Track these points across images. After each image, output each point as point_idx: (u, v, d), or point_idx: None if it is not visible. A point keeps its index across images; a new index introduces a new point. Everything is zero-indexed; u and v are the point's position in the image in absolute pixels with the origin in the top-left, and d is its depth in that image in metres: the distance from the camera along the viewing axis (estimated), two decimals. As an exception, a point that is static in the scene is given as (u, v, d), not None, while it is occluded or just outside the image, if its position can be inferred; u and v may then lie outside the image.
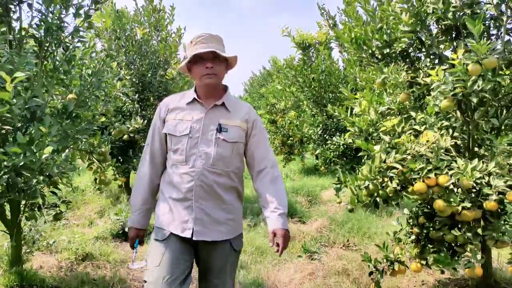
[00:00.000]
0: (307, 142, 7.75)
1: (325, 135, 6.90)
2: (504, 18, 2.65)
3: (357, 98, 3.51)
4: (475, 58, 2.54)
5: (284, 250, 2.02)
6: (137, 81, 6.19)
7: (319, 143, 7.03)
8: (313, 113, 7.10)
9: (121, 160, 6.24)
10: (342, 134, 3.82)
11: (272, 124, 10.57)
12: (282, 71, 6.86)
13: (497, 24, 2.80)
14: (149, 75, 6.33)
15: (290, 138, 10.30)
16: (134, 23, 6.61)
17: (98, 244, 4.42)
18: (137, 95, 6.08)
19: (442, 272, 3.43)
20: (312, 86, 6.38)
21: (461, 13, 2.76)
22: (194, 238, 2.02)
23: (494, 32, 3.02)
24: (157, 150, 2.18)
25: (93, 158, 3.87)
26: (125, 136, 5.69)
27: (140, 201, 2.18)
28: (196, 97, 2.13)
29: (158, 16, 6.53)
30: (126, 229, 4.89)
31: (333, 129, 7.36)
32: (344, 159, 6.23)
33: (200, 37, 2.10)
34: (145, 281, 1.99)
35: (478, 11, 2.72)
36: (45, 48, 3.07)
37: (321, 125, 7.01)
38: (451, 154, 2.90)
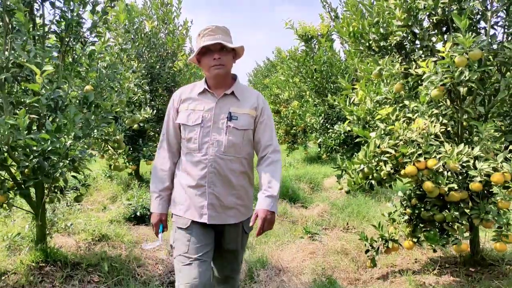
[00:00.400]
0: (310, 132, 7.97)
1: (326, 124, 7.14)
2: (489, 14, 2.87)
3: (355, 88, 3.74)
4: (462, 51, 2.77)
5: (264, 232, 2.07)
6: (146, 73, 6.44)
7: (321, 132, 7.27)
8: (315, 103, 7.32)
9: (131, 148, 6.51)
10: (343, 123, 4.05)
11: (276, 114, 10.81)
12: (285, 62, 7.06)
13: (484, 19, 3.02)
14: (157, 67, 6.57)
15: (294, 128, 10.54)
16: (143, 16, 6.84)
17: (113, 226, 4.70)
18: (147, 86, 6.33)
19: (434, 251, 3.69)
20: (314, 77, 6.60)
21: (450, 9, 2.98)
22: (207, 223, 2.13)
23: (483, 25, 3.25)
24: (172, 139, 2.27)
25: (108, 146, 4.13)
26: (135, 126, 5.96)
27: (160, 187, 2.26)
28: (207, 87, 2.21)
29: (166, 10, 6.76)
30: (138, 213, 5.18)
31: (334, 118, 7.58)
32: (345, 147, 6.47)
33: (207, 29, 2.16)
34: (176, 268, 2.13)
35: (465, 6, 2.93)
36: (66, 43, 3.32)
37: (323, 115, 7.24)
38: (440, 140, 3.13)
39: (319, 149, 9.59)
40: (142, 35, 6.53)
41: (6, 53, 2.79)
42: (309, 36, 6.69)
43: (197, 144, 2.14)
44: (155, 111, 6.24)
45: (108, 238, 4.34)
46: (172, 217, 2.27)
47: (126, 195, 6.08)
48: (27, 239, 3.85)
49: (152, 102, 6.57)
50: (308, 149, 10.57)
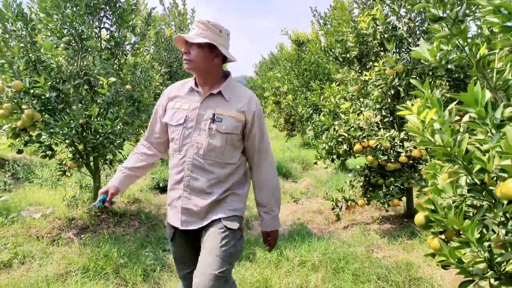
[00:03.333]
0: (300, 120, 9.18)
1: (314, 114, 8.34)
2: (410, 39, 4.08)
3: (323, 89, 4.97)
4: (389, 66, 3.99)
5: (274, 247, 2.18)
6: (166, 71, 7.69)
7: (310, 121, 8.48)
8: (305, 96, 8.49)
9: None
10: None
11: (276, 105, 12.02)
12: (281, 62, 8.24)
13: (408, 42, 4.22)
14: (174, 66, 7.81)
15: (292, 117, 11.75)
16: (162, 23, 8.05)
17: (142, 193, 6.00)
18: (168, 82, 7.58)
19: (387, 210, 4.94)
20: (305, 75, 7.78)
21: (384, 36, 4.18)
22: (180, 227, 2.01)
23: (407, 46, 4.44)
24: (155, 131, 2.19)
25: (142, 131, 5.41)
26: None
27: (127, 165, 2.17)
28: (194, 85, 2.04)
29: (182, 18, 7.96)
30: (160, 185, 6.47)
31: (321, 110, 8.81)
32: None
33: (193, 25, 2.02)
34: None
35: (395, 34, 4.14)
36: (115, 56, 4.58)
37: (312, 106, 8.44)
38: (380, 126, 4.36)
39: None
40: (162, 39, 7.76)
41: (76, 65, 4.07)
42: (301, 41, 7.86)
43: (177, 145, 2.01)
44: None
45: (140, 201, 5.63)
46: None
47: (150, 170, 7.40)
48: (80, 200, 5.15)
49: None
50: (304, 136, 11.81)
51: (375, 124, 4.32)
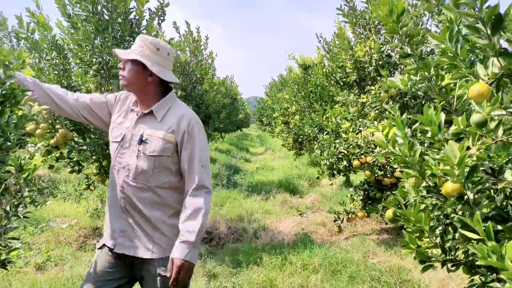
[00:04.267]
0: (309, 140, 9.58)
1: (319, 134, 8.74)
2: (402, 66, 4.50)
3: (326, 110, 5.39)
4: (384, 90, 4.39)
5: (178, 282, 1.74)
6: (181, 95, 8.18)
7: (316, 140, 8.86)
8: (311, 117, 8.90)
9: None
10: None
11: (285, 125, 12.45)
12: (289, 85, 8.70)
13: (401, 68, 4.64)
14: (188, 89, 8.30)
15: (300, 137, 12.15)
16: (177, 48, 8.59)
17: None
18: (181, 104, 8.06)
19: (386, 223, 5.27)
20: (311, 96, 8.20)
21: (379, 63, 4.61)
22: (114, 250, 1.88)
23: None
24: (92, 99, 2.03)
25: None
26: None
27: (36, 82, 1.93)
28: (133, 104, 1.97)
29: (196, 45, 8.49)
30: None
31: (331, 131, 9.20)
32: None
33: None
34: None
35: (388, 61, 4.56)
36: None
37: (318, 126, 8.83)
38: (375, 144, 4.74)
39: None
40: (178, 64, 8.27)
41: (103, 90, 4.54)
42: (307, 65, 8.32)
43: (113, 163, 1.94)
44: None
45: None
46: None
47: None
48: (101, 212, 5.57)
49: (185, 116, 8.31)
50: (312, 154, 12.19)
51: (372, 142, 4.70)
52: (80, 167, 4.80)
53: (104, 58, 4.49)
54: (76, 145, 4.39)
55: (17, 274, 3.59)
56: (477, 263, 1.71)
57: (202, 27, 8.82)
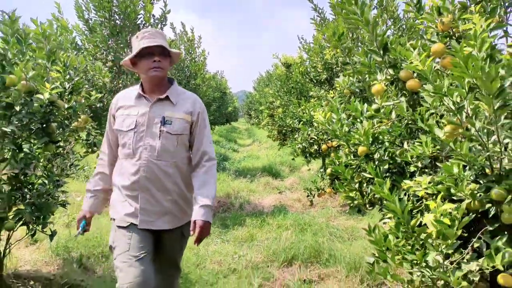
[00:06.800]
0: (291, 131, 10.54)
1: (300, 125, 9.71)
2: (362, 68, 5.43)
3: (300, 103, 6.30)
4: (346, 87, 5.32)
5: (201, 240, 2.00)
6: (176, 87, 9.02)
7: (297, 131, 9.80)
8: (293, 110, 9.81)
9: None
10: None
11: (270, 118, 13.36)
12: (273, 81, 9.60)
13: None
14: (183, 83, 9.14)
15: (284, 128, 13.08)
16: (173, 46, 9.41)
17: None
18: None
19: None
20: (292, 92, 9.10)
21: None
22: (139, 227, 2.02)
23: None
24: (113, 144, 2.20)
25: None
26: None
27: (96, 188, 2.20)
28: (141, 92, 2.10)
29: (190, 43, 9.32)
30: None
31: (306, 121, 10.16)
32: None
33: (146, 32, 2.06)
34: (117, 267, 1.96)
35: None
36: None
37: (298, 118, 9.75)
38: (341, 132, 5.68)
39: (302, 145, 12.21)
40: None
41: (115, 83, 5.39)
42: (289, 64, 9.21)
43: (131, 150, 2.05)
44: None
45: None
46: (111, 220, 2.15)
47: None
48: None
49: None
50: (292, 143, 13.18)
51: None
52: (95, 148, 5.67)
53: (118, 57, 5.34)
54: (93, 130, 5.24)
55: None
56: (375, 196, 2.65)
57: (192, 20, 9.62)
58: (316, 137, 5.62)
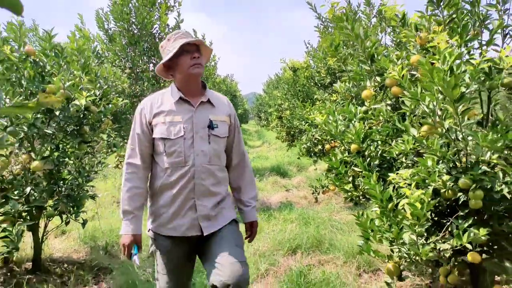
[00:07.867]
0: (298, 132, 10.89)
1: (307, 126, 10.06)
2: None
3: (305, 106, 6.65)
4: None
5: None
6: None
7: (304, 132, 10.15)
8: (300, 112, 10.16)
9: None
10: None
11: (279, 120, 13.72)
12: (280, 85, 9.97)
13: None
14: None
15: (292, 130, 13.43)
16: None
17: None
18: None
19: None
20: (299, 95, 9.45)
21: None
22: (205, 234, 1.97)
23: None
24: (147, 155, 2.03)
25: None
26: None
27: (136, 206, 2.00)
28: (183, 95, 1.99)
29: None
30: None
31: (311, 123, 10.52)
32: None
33: (179, 33, 2.01)
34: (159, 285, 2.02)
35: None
36: (159, 82, 6.31)
37: (305, 120, 10.10)
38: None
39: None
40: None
41: (133, 89, 5.80)
42: (296, 68, 9.56)
43: (182, 157, 1.94)
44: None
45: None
46: (151, 235, 2.06)
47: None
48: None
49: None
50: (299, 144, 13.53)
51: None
52: (115, 149, 6.08)
53: (136, 64, 5.76)
54: (113, 131, 5.66)
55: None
56: (365, 188, 2.99)
57: (201, 22, 10.03)
58: (320, 138, 5.96)
